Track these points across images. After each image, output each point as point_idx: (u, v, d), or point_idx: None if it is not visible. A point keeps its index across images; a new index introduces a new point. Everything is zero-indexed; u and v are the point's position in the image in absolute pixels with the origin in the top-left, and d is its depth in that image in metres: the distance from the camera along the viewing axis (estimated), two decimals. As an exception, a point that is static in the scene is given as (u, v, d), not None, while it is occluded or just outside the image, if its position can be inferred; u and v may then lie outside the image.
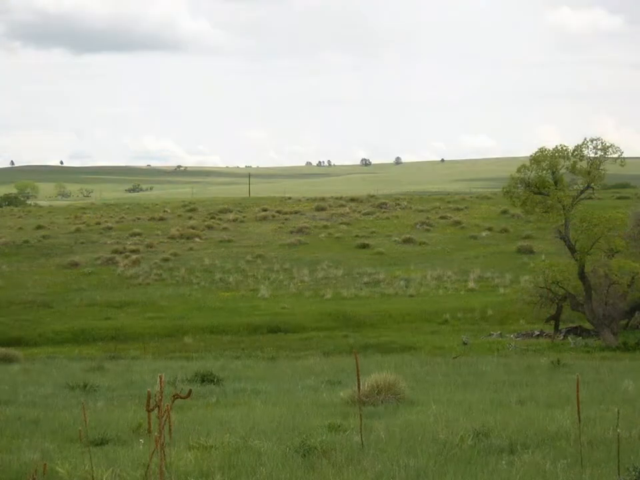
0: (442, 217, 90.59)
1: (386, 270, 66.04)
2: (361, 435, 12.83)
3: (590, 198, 45.35)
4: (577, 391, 10.71)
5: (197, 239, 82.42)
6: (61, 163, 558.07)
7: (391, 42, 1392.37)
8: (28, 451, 13.68)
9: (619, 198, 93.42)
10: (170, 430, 8.40)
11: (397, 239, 79.53)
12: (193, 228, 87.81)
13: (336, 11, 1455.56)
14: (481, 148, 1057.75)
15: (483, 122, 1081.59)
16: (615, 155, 41.21)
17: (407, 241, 78.51)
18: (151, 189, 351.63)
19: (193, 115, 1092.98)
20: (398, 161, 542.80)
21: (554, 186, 40.63)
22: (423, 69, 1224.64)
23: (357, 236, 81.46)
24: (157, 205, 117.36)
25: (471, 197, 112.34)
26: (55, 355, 41.03)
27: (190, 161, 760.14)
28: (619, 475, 10.39)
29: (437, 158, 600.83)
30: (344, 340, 45.60)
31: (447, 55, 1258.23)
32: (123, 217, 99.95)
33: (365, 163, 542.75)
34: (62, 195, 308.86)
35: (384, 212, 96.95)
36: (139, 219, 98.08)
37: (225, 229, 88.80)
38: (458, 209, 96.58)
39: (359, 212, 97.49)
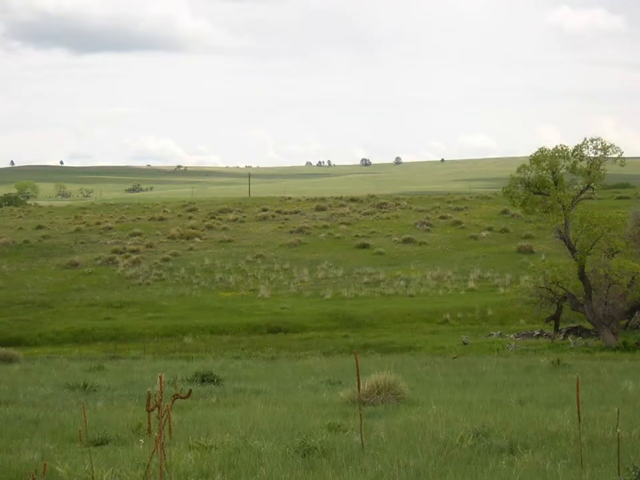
0: (442, 217, 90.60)
1: (386, 270, 66.03)
2: (361, 435, 12.81)
3: (590, 198, 45.44)
4: (577, 391, 10.69)
5: (197, 239, 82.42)
6: (61, 163, 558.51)
7: (391, 42, 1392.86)
8: (28, 451, 13.67)
9: (619, 198, 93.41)
10: (170, 430, 8.39)
11: (396, 239, 79.52)
12: (193, 228, 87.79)
13: (336, 10, 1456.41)
14: (480, 148, 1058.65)
15: (483, 122, 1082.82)
16: (615, 155, 41.22)
17: (407, 240, 78.51)
18: (151, 189, 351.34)
19: (193, 114, 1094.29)
20: (398, 161, 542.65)
21: (554, 186, 40.61)
22: (423, 68, 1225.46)
23: (357, 236, 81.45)
24: (157, 204, 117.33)
25: (471, 197, 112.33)
26: (55, 355, 41.02)
27: (190, 160, 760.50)
28: (618, 475, 10.37)
29: (437, 158, 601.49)
30: (344, 340, 45.63)
31: (447, 54, 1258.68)
32: (123, 217, 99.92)
33: (365, 163, 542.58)
34: (62, 194, 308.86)
35: (384, 212, 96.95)
36: (139, 218, 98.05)
37: (224, 229, 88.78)
38: (458, 209, 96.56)
39: (359, 212, 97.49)
